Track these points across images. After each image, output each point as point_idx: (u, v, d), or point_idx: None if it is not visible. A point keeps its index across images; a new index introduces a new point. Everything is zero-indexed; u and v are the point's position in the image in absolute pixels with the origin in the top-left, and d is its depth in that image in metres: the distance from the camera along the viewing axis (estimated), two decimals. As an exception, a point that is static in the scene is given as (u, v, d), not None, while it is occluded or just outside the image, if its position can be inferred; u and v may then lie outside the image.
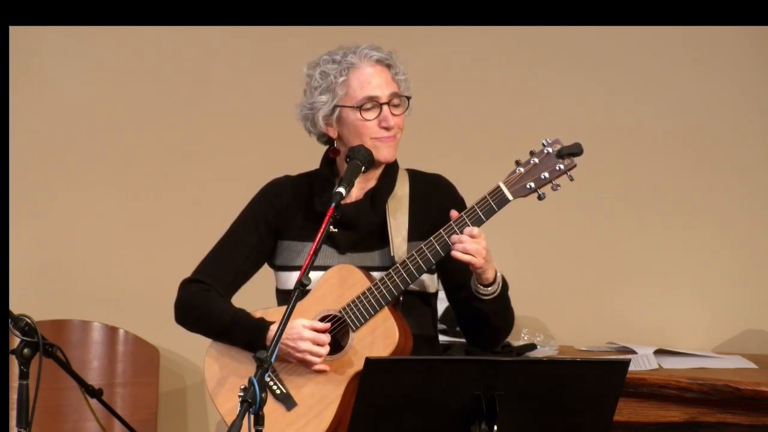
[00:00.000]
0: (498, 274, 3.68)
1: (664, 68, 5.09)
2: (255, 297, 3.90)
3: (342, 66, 3.74)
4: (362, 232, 3.79)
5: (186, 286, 3.86)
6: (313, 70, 3.78)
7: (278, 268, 3.87)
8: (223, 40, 5.19)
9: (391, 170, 3.84)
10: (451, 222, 3.63)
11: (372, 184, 3.82)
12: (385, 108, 3.73)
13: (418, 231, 3.74)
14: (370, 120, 3.73)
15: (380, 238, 3.79)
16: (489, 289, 3.67)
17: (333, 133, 3.80)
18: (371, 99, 3.73)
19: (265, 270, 3.92)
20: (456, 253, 3.59)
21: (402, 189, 3.84)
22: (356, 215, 3.78)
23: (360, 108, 3.73)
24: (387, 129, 3.73)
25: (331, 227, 3.55)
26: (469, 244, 3.58)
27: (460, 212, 3.65)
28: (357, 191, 3.81)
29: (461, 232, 3.61)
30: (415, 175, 3.90)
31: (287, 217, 3.86)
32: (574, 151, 3.59)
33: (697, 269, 5.10)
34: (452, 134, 5.13)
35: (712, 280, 5.10)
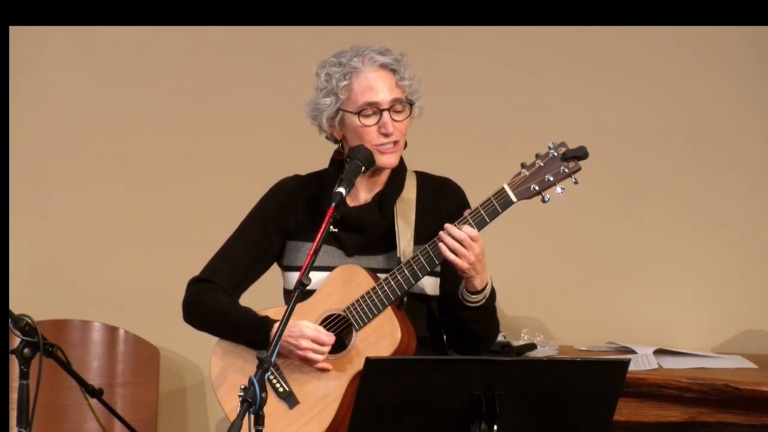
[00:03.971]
0: (488, 287, 3.67)
1: (664, 68, 5.09)
2: (263, 296, 3.91)
3: (345, 69, 3.72)
4: (370, 235, 3.79)
5: (193, 285, 3.86)
6: (320, 70, 3.77)
7: (286, 268, 3.87)
8: (223, 40, 5.19)
9: (399, 173, 3.83)
10: (455, 222, 3.63)
11: (380, 187, 3.82)
12: (386, 114, 3.72)
13: (424, 234, 3.72)
14: (369, 126, 3.73)
15: (388, 241, 3.79)
16: (473, 297, 3.67)
17: (338, 135, 3.80)
18: (371, 105, 3.72)
19: (273, 270, 3.92)
20: (442, 246, 3.58)
21: (410, 192, 3.83)
22: (364, 218, 3.79)
23: (360, 113, 3.72)
24: (386, 135, 3.72)
25: (332, 227, 3.54)
26: (460, 246, 3.57)
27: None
28: (365, 194, 3.83)
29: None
30: (423, 178, 3.89)
31: (295, 217, 3.86)
32: (579, 154, 3.57)
33: (697, 269, 5.10)
34: (455, 135, 5.12)
35: (712, 280, 5.09)
